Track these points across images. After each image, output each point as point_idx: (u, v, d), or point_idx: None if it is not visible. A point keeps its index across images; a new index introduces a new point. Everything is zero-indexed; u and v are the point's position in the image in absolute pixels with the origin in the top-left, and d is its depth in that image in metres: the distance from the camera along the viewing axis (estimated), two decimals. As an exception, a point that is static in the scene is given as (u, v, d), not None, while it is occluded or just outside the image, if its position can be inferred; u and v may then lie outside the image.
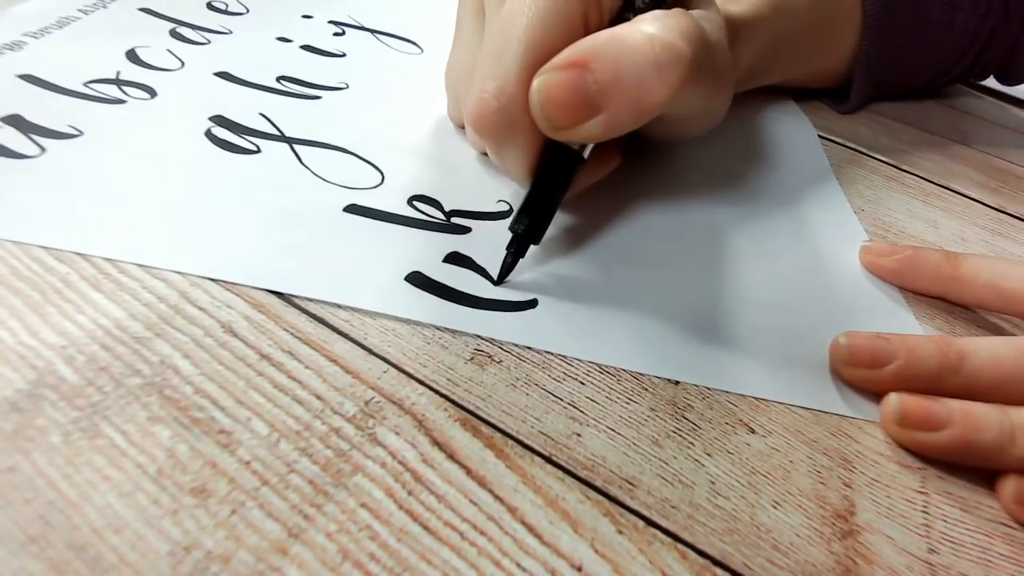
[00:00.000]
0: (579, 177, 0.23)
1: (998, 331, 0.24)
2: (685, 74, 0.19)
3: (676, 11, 0.20)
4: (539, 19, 0.20)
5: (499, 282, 0.21)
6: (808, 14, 0.32)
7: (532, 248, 0.22)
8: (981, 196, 0.32)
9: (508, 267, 0.21)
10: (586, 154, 0.22)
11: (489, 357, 0.19)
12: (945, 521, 0.18)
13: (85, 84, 0.26)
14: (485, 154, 0.27)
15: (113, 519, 0.14)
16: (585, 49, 0.19)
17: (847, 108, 0.37)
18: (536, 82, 0.19)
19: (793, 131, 0.34)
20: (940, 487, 0.19)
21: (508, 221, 0.22)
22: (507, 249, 0.21)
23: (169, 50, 0.29)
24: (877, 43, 0.34)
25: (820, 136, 0.34)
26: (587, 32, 0.20)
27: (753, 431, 0.19)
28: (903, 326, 0.23)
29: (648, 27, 0.19)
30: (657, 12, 0.20)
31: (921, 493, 0.18)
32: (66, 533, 0.14)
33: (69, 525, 0.14)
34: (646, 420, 0.18)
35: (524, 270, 0.22)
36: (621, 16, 0.21)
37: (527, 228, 0.21)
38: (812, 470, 0.18)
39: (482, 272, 0.22)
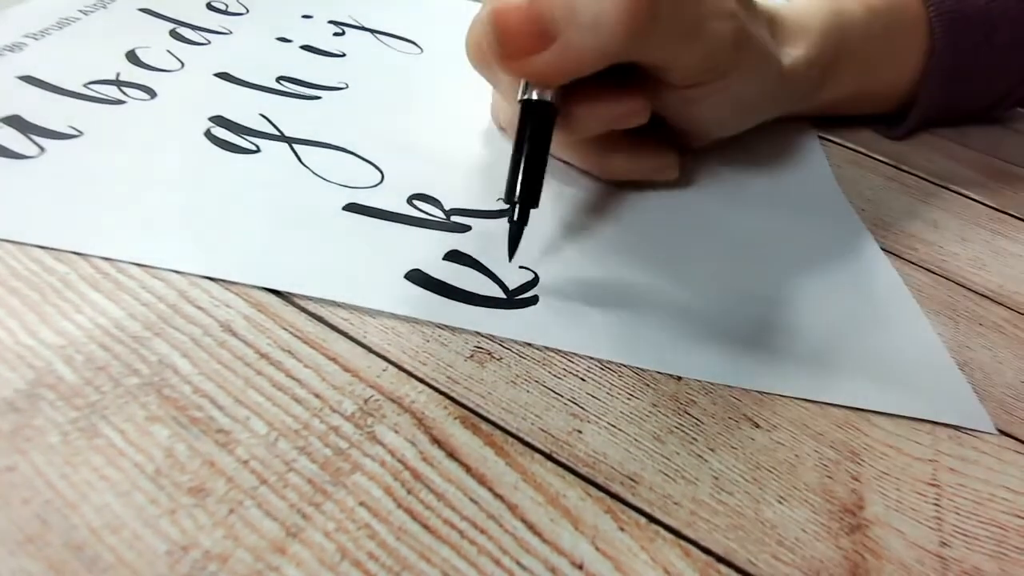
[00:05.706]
0: (627, 164, 0.23)
1: (999, 331, 0.23)
2: (645, 3, 0.18)
3: None
4: None
5: (511, 257, 0.21)
6: (867, 19, 0.30)
7: (534, 242, 0.21)
8: (981, 196, 0.31)
9: (515, 238, 0.21)
10: (551, 97, 0.20)
11: (489, 354, 0.19)
12: (957, 514, 0.17)
13: (85, 85, 0.26)
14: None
15: (111, 519, 0.14)
16: None
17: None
18: (488, 8, 0.18)
19: (793, 131, 0.33)
20: (952, 479, 0.18)
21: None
22: (508, 221, 0.21)
23: (169, 51, 0.29)
24: (946, 61, 0.32)
25: (820, 136, 0.33)
26: None
27: (757, 425, 0.19)
28: (905, 313, 0.23)
29: None
30: None
31: (932, 485, 0.18)
32: (64, 533, 0.14)
33: (67, 525, 0.14)
34: (648, 416, 0.18)
35: (524, 261, 0.22)
36: None
37: (522, 194, 0.20)
38: (819, 464, 0.18)
39: (486, 272, 0.21)
